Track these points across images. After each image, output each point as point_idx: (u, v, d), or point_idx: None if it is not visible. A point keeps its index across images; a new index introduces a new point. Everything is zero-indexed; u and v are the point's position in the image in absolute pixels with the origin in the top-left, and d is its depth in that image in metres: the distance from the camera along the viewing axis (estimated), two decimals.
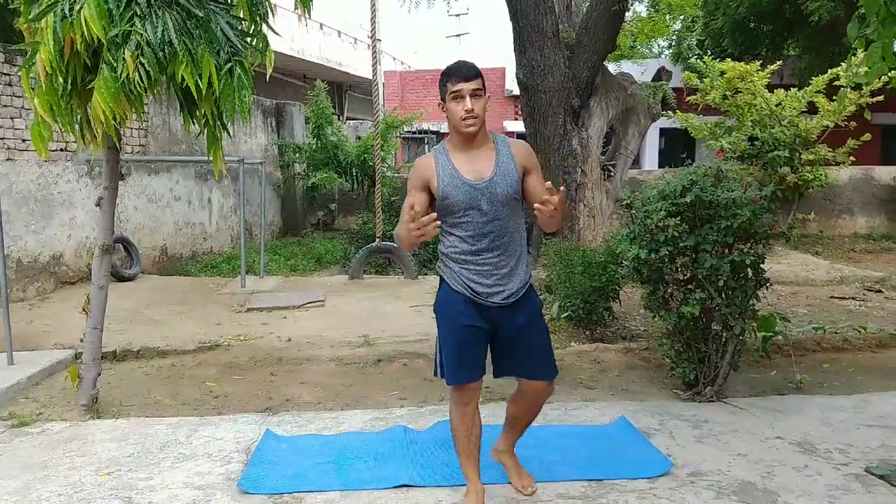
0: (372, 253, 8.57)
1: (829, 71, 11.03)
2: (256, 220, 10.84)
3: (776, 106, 11.31)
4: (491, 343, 2.86)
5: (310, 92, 12.89)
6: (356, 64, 22.23)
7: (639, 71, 14.22)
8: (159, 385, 4.74)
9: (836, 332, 5.49)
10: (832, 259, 10.21)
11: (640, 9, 17.13)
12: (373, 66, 8.86)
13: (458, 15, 28.00)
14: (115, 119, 3.47)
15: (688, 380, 4.26)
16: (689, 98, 11.99)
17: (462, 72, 2.73)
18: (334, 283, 8.31)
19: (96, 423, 3.95)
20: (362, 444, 3.58)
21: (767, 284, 4.08)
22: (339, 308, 6.84)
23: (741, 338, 4.07)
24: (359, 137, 13.99)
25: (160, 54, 3.41)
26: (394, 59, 27.86)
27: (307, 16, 4.32)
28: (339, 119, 15.01)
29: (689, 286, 4.06)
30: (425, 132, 19.30)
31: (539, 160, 3.05)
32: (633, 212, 4.29)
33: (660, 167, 16.98)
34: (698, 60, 12.21)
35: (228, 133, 4.03)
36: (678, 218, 3.95)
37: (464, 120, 2.71)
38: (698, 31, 18.42)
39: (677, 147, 17.60)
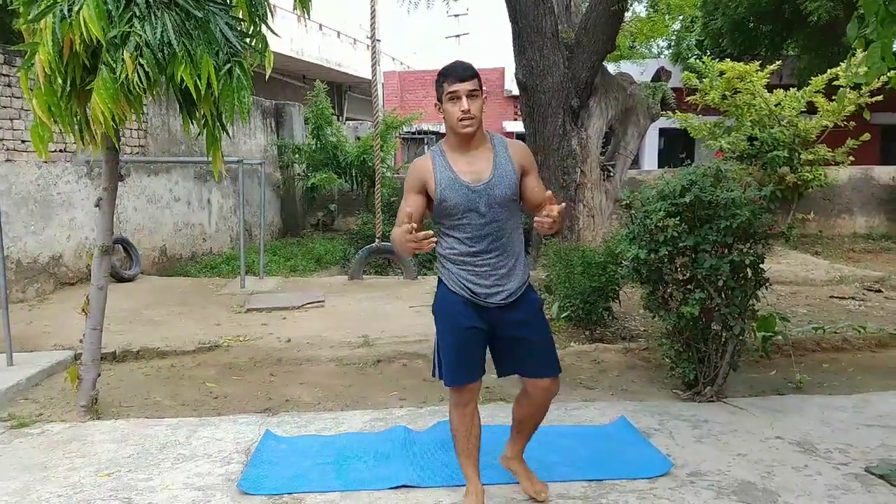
0: (371, 253, 8.57)
1: (829, 71, 11.04)
2: (256, 220, 10.84)
3: (775, 106, 11.31)
4: (491, 343, 2.86)
5: (309, 92, 12.89)
6: (356, 64, 22.23)
7: (638, 71, 14.22)
8: (159, 386, 4.74)
9: (835, 332, 5.49)
10: (832, 259, 10.22)
11: (640, 9, 17.12)
12: (372, 66, 8.86)
13: (457, 15, 27.98)
14: (114, 120, 3.47)
15: (687, 380, 4.26)
16: (688, 98, 11.99)
17: (458, 72, 2.71)
18: (334, 283, 8.31)
19: (96, 424, 3.95)
20: (362, 444, 3.58)
21: (767, 284, 4.08)
22: (339, 308, 6.84)
23: (741, 338, 4.07)
24: (358, 138, 13.99)
25: (159, 55, 3.41)
26: (393, 59, 27.85)
27: (306, 16, 4.32)
28: (338, 119, 15.01)
29: (688, 286, 4.06)
30: (425, 133, 19.30)
31: (538, 160, 3.06)
32: (633, 212, 4.29)
33: (659, 167, 16.99)
34: (697, 61, 12.21)
35: (228, 134, 4.03)
36: (677, 218, 3.95)
37: (461, 121, 2.69)
38: (697, 31, 18.42)
39: (676, 147, 17.61)
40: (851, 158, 11.73)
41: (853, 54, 3.86)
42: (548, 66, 7.18)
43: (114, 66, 3.35)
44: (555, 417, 3.88)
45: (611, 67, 10.70)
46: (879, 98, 10.63)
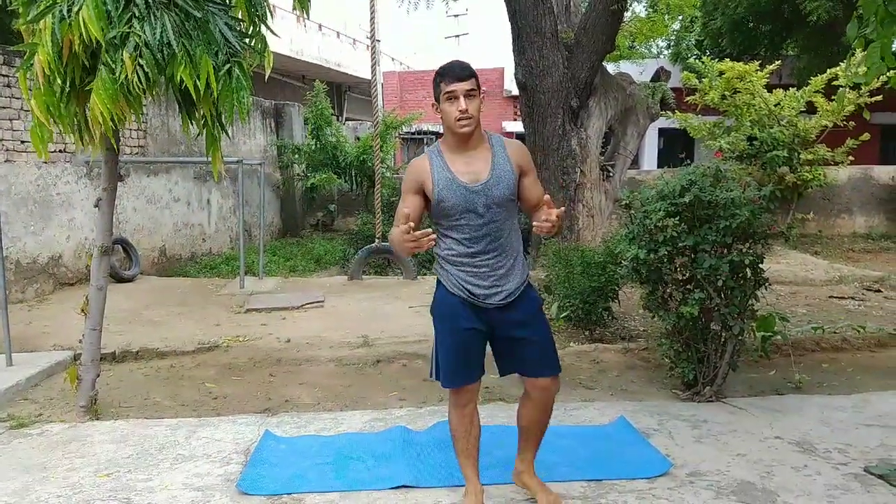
0: (371, 253, 8.57)
1: (828, 71, 11.04)
2: (255, 220, 10.84)
3: (775, 106, 11.31)
4: (491, 343, 2.85)
5: (309, 93, 12.90)
6: (355, 65, 22.23)
7: (637, 71, 14.21)
8: (158, 386, 4.74)
9: (835, 332, 5.49)
10: (831, 259, 10.22)
11: (639, 9, 17.13)
12: (372, 66, 8.86)
13: (456, 15, 27.97)
14: (113, 120, 3.47)
15: (687, 380, 4.26)
16: (687, 98, 11.99)
17: (456, 72, 2.69)
18: (333, 283, 8.31)
19: (95, 425, 3.95)
20: (361, 444, 3.58)
21: (766, 284, 4.08)
22: (339, 309, 6.84)
23: (740, 338, 4.07)
24: (358, 138, 13.99)
25: (159, 56, 3.41)
26: (393, 59, 27.85)
27: (305, 16, 4.32)
28: (338, 120, 15.01)
29: (687, 286, 4.06)
30: (424, 133, 19.29)
31: (538, 160, 3.06)
32: (632, 212, 4.29)
33: (659, 167, 17.00)
34: (697, 60, 12.21)
35: (227, 134, 4.03)
36: (677, 218, 3.95)
37: (458, 121, 2.67)
38: (697, 31, 18.43)
39: (676, 147, 17.61)
40: (851, 158, 11.73)
41: (853, 54, 3.86)
42: (547, 67, 7.18)
43: (113, 66, 3.35)
44: (554, 417, 3.84)
45: (610, 67, 10.70)
46: (879, 98, 10.64)
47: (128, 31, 3.36)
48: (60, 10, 3.32)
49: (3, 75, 6.91)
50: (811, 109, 11.55)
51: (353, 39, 22.97)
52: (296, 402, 4.40)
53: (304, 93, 14.84)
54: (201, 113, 3.81)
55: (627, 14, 13.37)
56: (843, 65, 10.57)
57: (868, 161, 14.19)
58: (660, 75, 8.79)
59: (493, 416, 3.87)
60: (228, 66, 3.60)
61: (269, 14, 3.99)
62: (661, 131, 18.04)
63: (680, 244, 3.95)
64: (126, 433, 3.80)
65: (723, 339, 4.08)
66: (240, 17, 3.86)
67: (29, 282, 7.15)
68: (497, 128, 19.31)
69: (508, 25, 7.39)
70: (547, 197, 2.64)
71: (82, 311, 4.11)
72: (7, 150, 6.87)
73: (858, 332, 5.45)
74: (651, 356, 5.04)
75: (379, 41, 9.52)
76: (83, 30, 3.27)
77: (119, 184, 4.22)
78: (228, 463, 3.41)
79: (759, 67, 11.39)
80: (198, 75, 3.47)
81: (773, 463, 3.30)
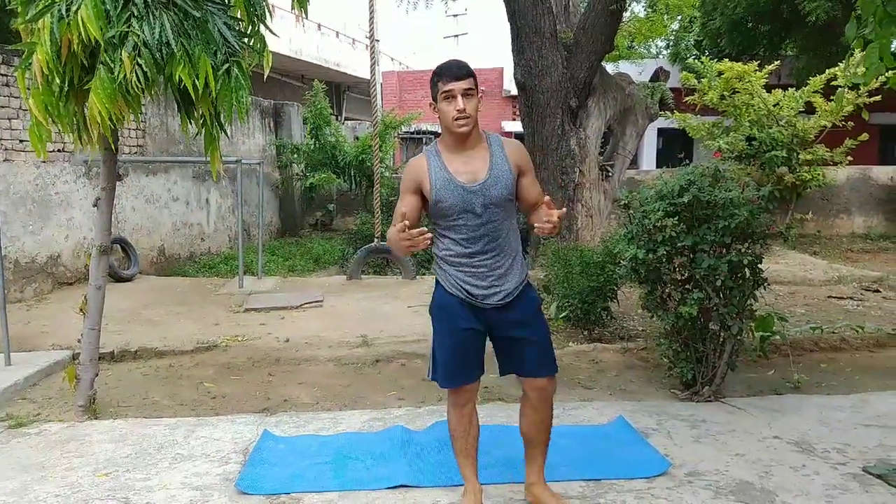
0: (370, 253, 8.57)
1: (827, 71, 11.04)
2: (254, 220, 10.83)
3: (774, 106, 11.31)
4: (492, 342, 2.85)
5: (308, 92, 12.89)
6: (354, 64, 22.23)
7: (636, 71, 14.22)
8: (157, 386, 4.74)
9: (833, 332, 5.49)
10: (830, 259, 10.23)
11: (638, 9, 17.14)
12: (371, 66, 8.86)
13: (455, 15, 27.97)
14: (111, 120, 3.46)
15: (686, 380, 4.26)
16: (686, 98, 11.99)
17: (453, 71, 2.68)
18: (332, 283, 8.30)
19: (94, 424, 3.95)
20: (360, 444, 3.58)
21: (765, 284, 4.08)
22: (338, 308, 6.84)
23: (739, 338, 4.08)
24: (357, 138, 13.99)
25: (157, 55, 3.41)
26: (392, 59, 27.86)
27: (304, 16, 4.32)
28: (337, 119, 15.01)
29: (686, 286, 4.06)
30: (423, 132, 19.29)
31: (537, 160, 3.05)
32: (631, 212, 4.29)
33: (657, 167, 17.01)
34: (696, 61, 12.21)
35: (226, 133, 4.03)
36: (676, 218, 3.95)
37: (456, 120, 2.66)
38: (696, 31, 18.44)
39: (675, 147, 17.63)
40: (850, 158, 11.74)
41: (851, 54, 3.87)
42: (546, 67, 7.18)
43: (112, 66, 3.35)
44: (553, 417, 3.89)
45: (609, 67, 10.71)
46: (878, 98, 10.64)
47: (126, 30, 3.36)
48: (59, 10, 3.32)
49: (2, 74, 6.90)
50: (810, 110, 11.55)
51: (353, 39, 22.98)
52: (294, 402, 4.40)
53: (303, 92, 14.83)
54: (200, 112, 3.81)
55: (626, 14, 13.40)
56: (841, 65, 10.55)
57: (867, 161, 14.20)
58: (659, 75, 8.79)
59: (492, 416, 3.87)
60: (227, 65, 3.60)
61: (267, 13, 3.99)
62: (660, 131, 18.05)
63: (679, 244, 3.96)
64: (125, 433, 3.80)
65: (721, 339, 4.08)
66: (238, 16, 3.86)
67: (27, 281, 7.14)
68: (496, 128, 19.31)
69: (507, 25, 7.39)
70: (547, 198, 2.63)
71: (81, 310, 4.11)
72: (6, 149, 6.86)
73: (857, 332, 5.45)
74: (650, 356, 5.04)
75: (378, 41, 9.52)
76: (82, 29, 3.27)
77: (118, 183, 4.22)
78: (227, 462, 3.41)
79: (757, 67, 11.40)
80: (196, 75, 3.47)
81: (771, 463, 3.30)
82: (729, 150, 11.38)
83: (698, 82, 11.77)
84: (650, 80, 8.74)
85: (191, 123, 3.93)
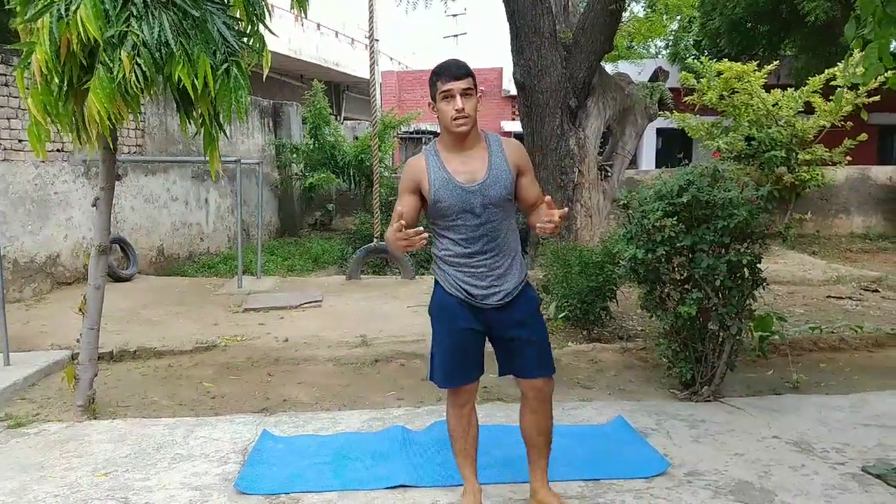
0: (369, 253, 8.57)
1: (826, 71, 11.04)
2: (253, 220, 10.83)
3: (773, 106, 11.32)
4: (490, 343, 2.85)
5: (307, 92, 12.89)
6: (354, 64, 22.22)
7: (636, 71, 14.22)
8: (156, 386, 4.74)
9: (832, 332, 5.50)
10: (829, 259, 10.24)
11: (637, 9, 17.14)
12: (370, 66, 8.86)
13: (455, 15, 27.98)
14: (110, 120, 3.46)
15: (685, 379, 4.26)
16: (685, 98, 11.99)
17: (452, 70, 2.67)
18: (331, 283, 8.30)
19: (93, 424, 3.94)
20: (359, 444, 3.58)
21: (764, 284, 4.08)
22: (337, 308, 6.83)
23: (738, 337, 4.08)
24: (356, 137, 13.99)
25: (156, 55, 3.41)
26: (391, 59, 27.86)
27: (303, 15, 4.32)
28: (336, 119, 15.01)
29: (685, 286, 4.07)
30: (423, 132, 19.29)
31: (536, 160, 3.04)
32: (630, 212, 4.29)
33: (657, 167, 17.00)
34: (695, 61, 12.21)
35: (225, 133, 4.03)
36: (675, 218, 3.95)
37: (455, 120, 2.65)
38: (695, 31, 18.43)
39: (674, 147, 17.62)
40: (849, 158, 11.74)
41: (850, 54, 3.86)
42: (545, 66, 7.18)
43: (111, 65, 3.35)
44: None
45: (608, 67, 10.71)
46: (877, 98, 10.64)
47: (126, 30, 3.36)
48: (58, 9, 3.32)
49: (1, 74, 6.90)
50: (809, 110, 11.55)
51: (352, 39, 22.97)
52: (294, 402, 4.40)
53: (302, 92, 14.83)
54: (199, 112, 3.81)
55: (626, 14, 13.39)
56: (840, 65, 10.53)
57: (866, 161, 14.20)
58: (658, 75, 8.79)
59: (492, 416, 3.87)
60: (226, 65, 3.60)
61: (267, 13, 3.99)
62: (660, 131, 18.05)
63: (678, 244, 3.96)
64: (124, 432, 3.80)
65: (720, 339, 4.08)
66: (238, 16, 3.86)
67: (27, 281, 7.13)
68: (495, 128, 19.31)
69: (507, 25, 7.40)
70: (548, 198, 2.62)
71: (80, 310, 4.11)
72: (5, 149, 6.86)
73: (856, 332, 5.46)
74: (649, 356, 5.04)
75: (377, 41, 9.52)
76: (81, 29, 3.27)
77: (117, 183, 4.22)
78: (226, 462, 3.41)
79: (756, 67, 11.40)
80: (196, 74, 3.46)
81: (770, 462, 3.30)
82: (728, 150, 11.38)
83: (697, 82, 11.77)
84: (649, 80, 8.75)
85: (190, 123, 3.93)
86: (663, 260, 4.05)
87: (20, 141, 6.94)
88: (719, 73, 11.49)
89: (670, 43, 20.80)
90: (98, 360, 4.22)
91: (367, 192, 11.67)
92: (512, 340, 2.78)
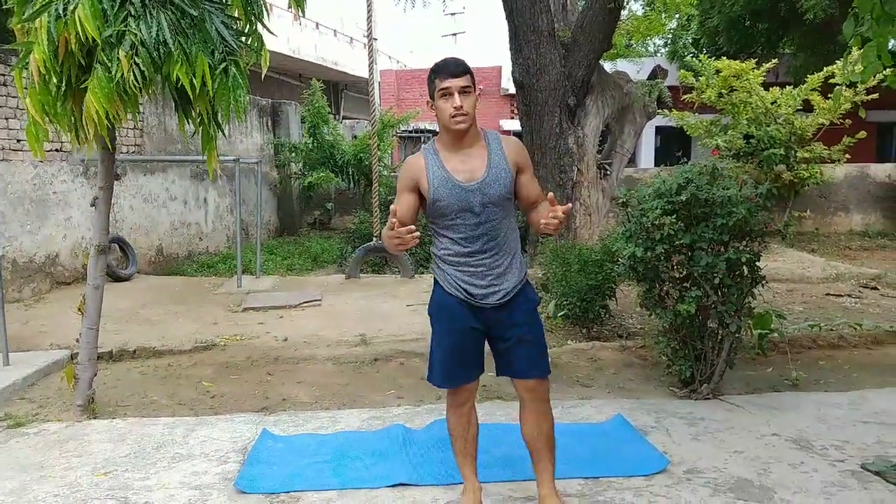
0: (368, 252, 8.57)
1: (825, 69, 11.04)
2: (252, 219, 10.83)
3: (772, 104, 11.32)
4: (490, 342, 2.84)
5: (306, 91, 12.88)
6: (352, 63, 22.20)
7: (634, 69, 14.22)
8: (156, 385, 4.74)
9: (831, 330, 5.50)
10: (828, 256, 10.24)
11: (636, 7, 17.14)
12: (369, 65, 8.86)
13: (453, 14, 27.97)
14: (108, 119, 3.46)
15: (684, 377, 4.26)
16: (684, 96, 11.99)
17: (450, 68, 2.65)
18: (331, 282, 8.30)
19: (92, 424, 3.94)
20: (359, 443, 3.58)
21: (763, 282, 4.08)
22: (336, 307, 6.84)
23: (737, 335, 4.08)
24: (355, 137, 13.98)
25: (155, 54, 3.40)
26: (390, 58, 27.83)
27: (301, 14, 4.31)
28: (335, 118, 15.00)
29: (685, 284, 4.07)
30: (422, 131, 19.29)
31: (535, 158, 3.04)
32: (629, 210, 4.29)
33: (656, 165, 16.99)
34: (694, 59, 12.22)
35: (223, 132, 4.03)
36: (674, 216, 3.95)
37: (453, 118, 2.63)
38: (694, 29, 18.43)
39: (673, 145, 17.63)
40: (847, 156, 11.74)
41: (849, 52, 3.86)
42: (544, 65, 7.18)
43: (109, 65, 3.35)
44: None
45: (607, 66, 10.71)
46: (875, 96, 10.64)
47: (124, 29, 3.35)
48: (56, 9, 3.31)
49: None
50: (808, 107, 11.55)
51: (351, 38, 22.94)
52: (293, 401, 4.40)
53: (301, 91, 14.81)
54: (198, 111, 3.81)
55: (624, 12, 13.36)
56: (839, 63, 10.56)
57: (864, 159, 14.21)
58: (657, 73, 8.78)
59: (492, 414, 3.87)
60: (225, 64, 3.59)
61: (265, 12, 3.99)
62: (658, 129, 18.05)
63: (677, 242, 3.96)
64: (123, 432, 3.80)
65: (720, 337, 4.09)
66: (236, 15, 3.86)
67: (26, 281, 7.13)
68: (494, 126, 19.31)
69: (505, 24, 7.39)
70: (551, 195, 2.61)
71: (79, 310, 4.11)
72: (3, 149, 6.86)
73: (855, 329, 5.46)
74: (648, 354, 5.05)
75: (376, 39, 9.53)
76: (79, 28, 3.26)
77: (115, 182, 4.22)
78: (226, 462, 3.41)
79: (755, 65, 11.40)
80: (194, 74, 3.46)
81: (770, 460, 3.31)
82: (727, 148, 11.39)
83: (696, 80, 11.77)
84: (648, 79, 8.74)
85: (188, 122, 3.93)
86: (662, 258, 4.05)
87: (19, 141, 6.93)
88: (718, 72, 11.49)
89: (669, 41, 20.79)
90: (97, 359, 4.22)
91: (366, 191, 11.67)
92: (508, 340, 2.76)
